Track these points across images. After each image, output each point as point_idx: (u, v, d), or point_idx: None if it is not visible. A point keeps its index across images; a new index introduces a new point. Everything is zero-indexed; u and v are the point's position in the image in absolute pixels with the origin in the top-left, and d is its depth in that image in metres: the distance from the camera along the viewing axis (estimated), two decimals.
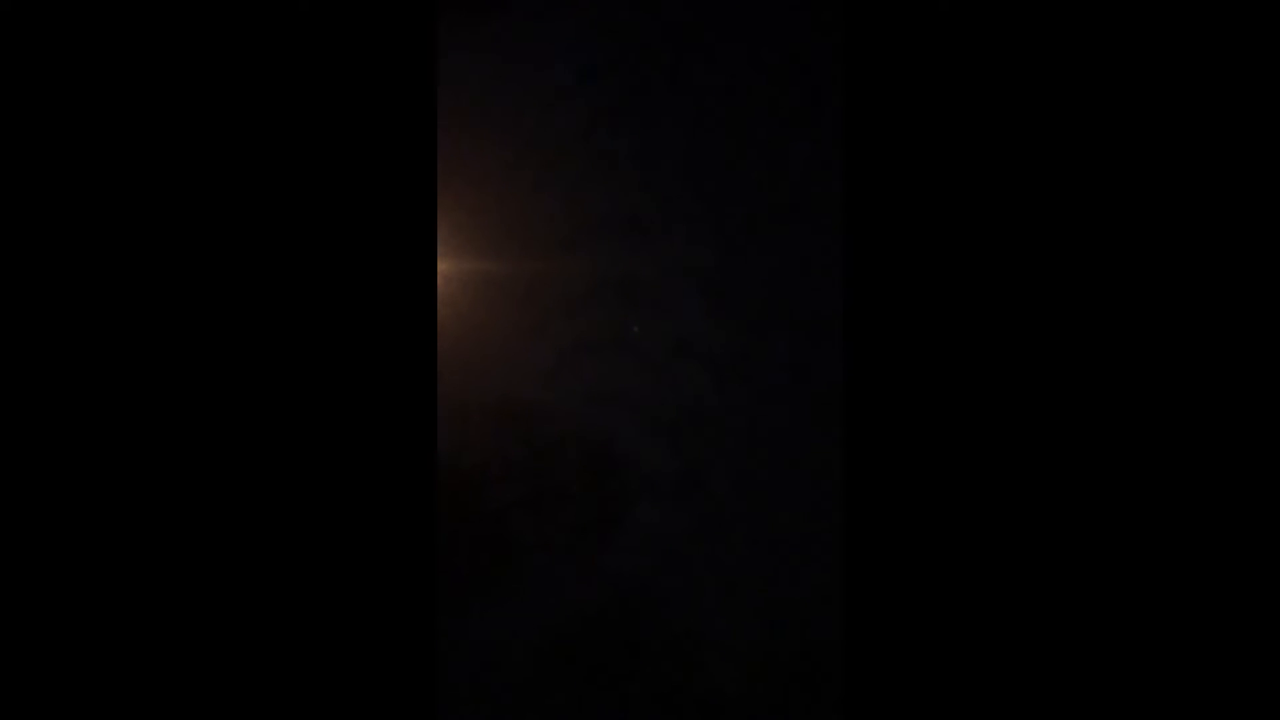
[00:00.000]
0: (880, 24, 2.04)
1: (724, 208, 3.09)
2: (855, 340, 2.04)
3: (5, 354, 1.85)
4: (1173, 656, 1.87)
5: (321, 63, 1.93)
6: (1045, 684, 1.91)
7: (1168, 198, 1.92)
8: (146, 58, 1.90)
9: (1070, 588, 1.91)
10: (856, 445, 2.02)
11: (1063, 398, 1.93)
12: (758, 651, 2.93)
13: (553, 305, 3.06)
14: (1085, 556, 1.91)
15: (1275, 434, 1.87)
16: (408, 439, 1.95)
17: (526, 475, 3.03)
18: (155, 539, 1.86)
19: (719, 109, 3.12)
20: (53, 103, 1.88)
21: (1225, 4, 1.92)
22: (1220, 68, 1.92)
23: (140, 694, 1.85)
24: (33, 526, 1.84)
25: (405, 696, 1.93)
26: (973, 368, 1.96)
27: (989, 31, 1.98)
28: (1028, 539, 1.92)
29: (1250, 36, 1.91)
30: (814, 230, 3.06)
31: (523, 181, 3.10)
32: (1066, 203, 1.96)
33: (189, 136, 1.91)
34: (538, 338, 3.06)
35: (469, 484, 3.02)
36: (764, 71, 3.13)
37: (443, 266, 3.02)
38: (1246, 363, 1.89)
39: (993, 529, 1.93)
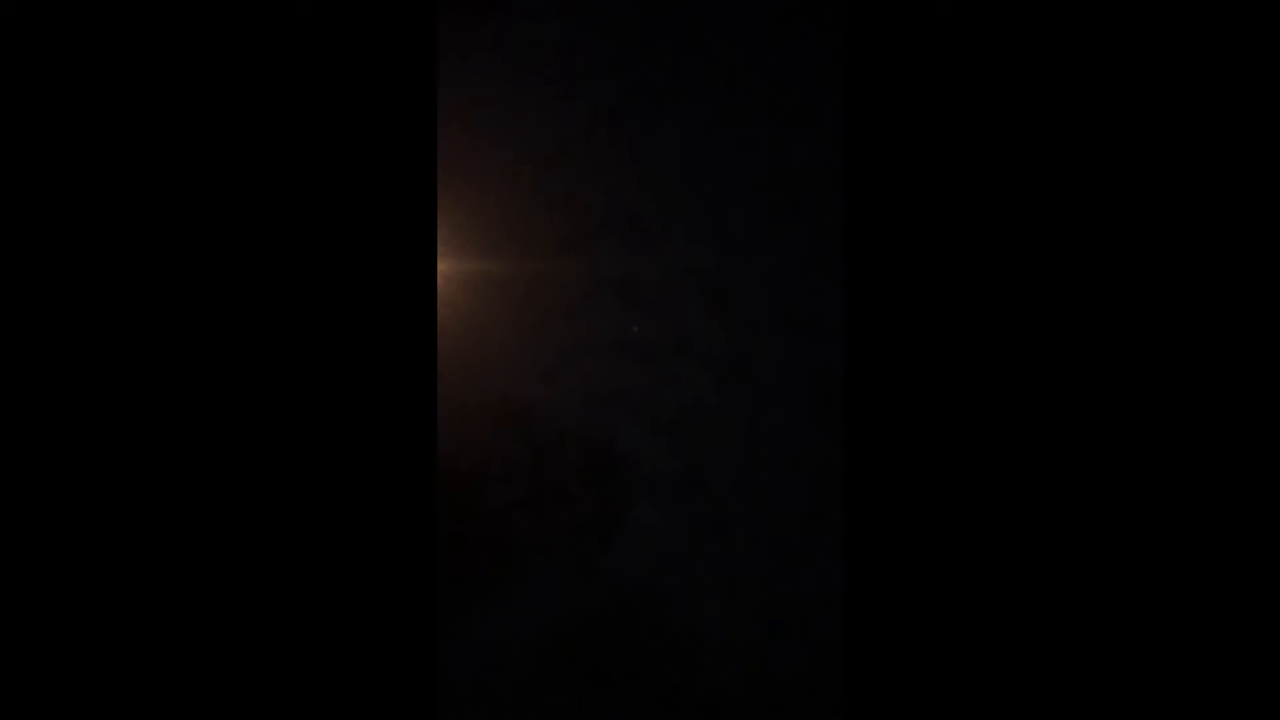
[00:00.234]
0: (880, 24, 2.04)
1: (724, 208, 3.09)
2: (855, 340, 2.04)
3: (4, 354, 1.85)
4: (1173, 658, 1.87)
5: (321, 63, 1.94)
6: (1046, 684, 1.91)
7: (1168, 198, 1.92)
8: (146, 57, 1.90)
9: (1071, 588, 1.91)
10: (856, 445, 2.02)
11: (1064, 398, 1.93)
12: (758, 651, 2.93)
13: (552, 305, 3.06)
14: (1087, 555, 1.91)
15: (1276, 434, 1.87)
16: (408, 439, 1.95)
17: (526, 475, 3.03)
18: (153, 539, 1.86)
19: (719, 109, 3.12)
20: (52, 102, 1.88)
21: (1225, 4, 1.92)
22: (1220, 68, 1.92)
23: (140, 694, 1.85)
24: (31, 526, 1.84)
25: (405, 696, 1.93)
26: (974, 368, 1.96)
27: (989, 31, 1.98)
28: (1029, 539, 1.92)
29: (1250, 36, 1.91)
30: (814, 230, 3.06)
31: (523, 181, 3.10)
32: (1067, 203, 1.96)
33: (188, 136, 1.91)
34: (537, 337, 3.06)
35: (469, 484, 3.02)
36: (764, 71, 3.13)
37: (442, 266, 3.02)
38: (1247, 363, 1.89)
39: (994, 529, 1.93)
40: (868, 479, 2.00)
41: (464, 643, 2.92)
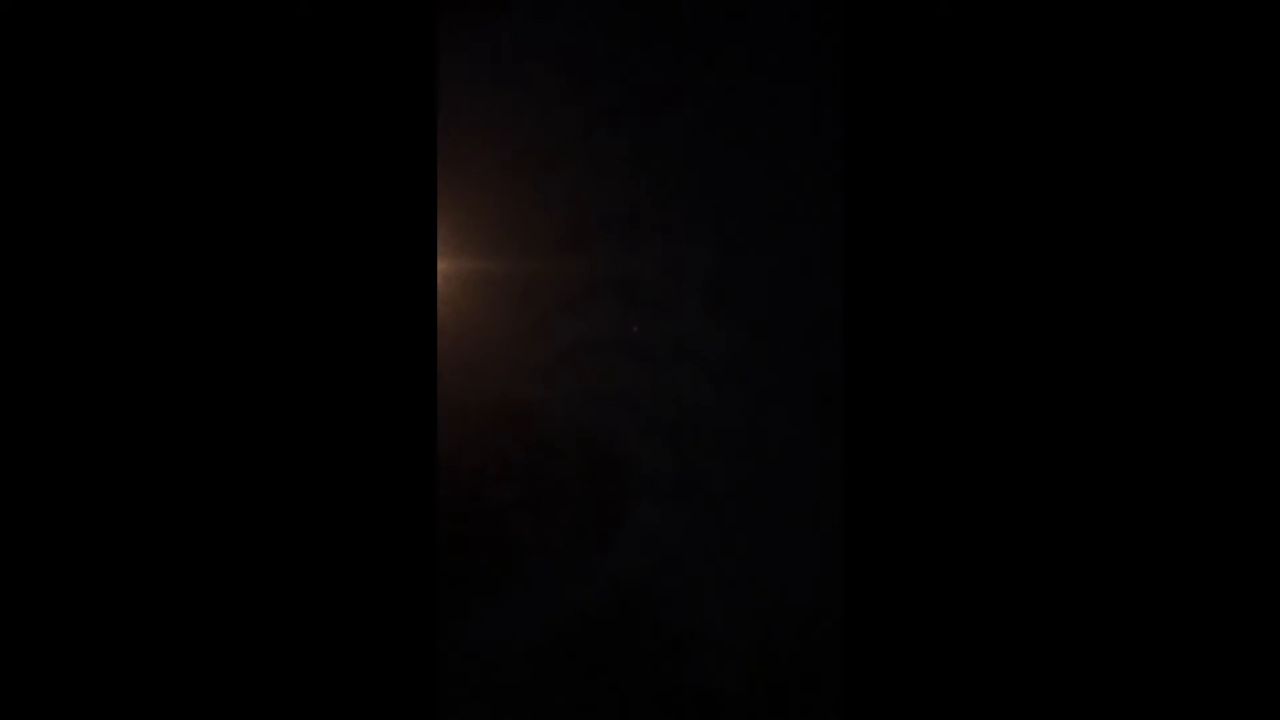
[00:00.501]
0: (880, 24, 2.04)
1: (724, 208, 3.09)
2: (855, 340, 2.04)
3: (4, 354, 1.85)
4: (1173, 658, 1.87)
5: (321, 62, 1.93)
6: (1046, 684, 1.91)
7: (1168, 198, 1.92)
8: (146, 57, 1.90)
9: (1072, 588, 1.91)
10: (856, 445, 2.02)
11: (1064, 398, 1.93)
12: (758, 651, 2.93)
13: (552, 305, 3.06)
14: (1087, 554, 1.91)
15: (1275, 434, 1.87)
16: (408, 439, 1.94)
17: (525, 475, 3.03)
18: (152, 538, 1.86)
19: (719, 109, 3.12)
20: (52, 102, 1.88)
21: (1225, 4, 1.91)
22: (1220, 68, 1.92)
23: (140, 694, 1.85)
24: (30, 526, 1.84)
25: (405, 696, 1.93)
26: (974, 368, 1.96)
27: (989, 31, 1.98)
28: (1029, 539, 1.92)
29: (1250, 36, 1.91)
30: (814, 230, 3.06)
31: (522, 181, 3.10)
32: (1068, 203, 1.96)
33: (188, 135, 1.91)
34: (537, 337, 3.06)
35: (468, 484, 3.02)
36: (764, 71, 3.12)
37: (442, 266, 3.02)
38: (1247, 362, 1.89)
39: (994, 529, 1.93)
40: (867, 479, 2.00)
41: (464, 643, 2.92)
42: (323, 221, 1.92)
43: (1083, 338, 1.92)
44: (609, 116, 3.12)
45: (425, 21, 2.00)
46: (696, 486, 3.02)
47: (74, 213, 1.87)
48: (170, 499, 1.85)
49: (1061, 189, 1.94)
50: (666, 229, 3.09)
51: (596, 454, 3.04)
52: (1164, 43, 1.93)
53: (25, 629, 1.82)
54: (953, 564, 1.93)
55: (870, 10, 2.03)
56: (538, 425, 3.04)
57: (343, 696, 1.89)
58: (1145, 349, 1.91)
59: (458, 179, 3.07)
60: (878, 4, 2.03)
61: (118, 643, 1.84)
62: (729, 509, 3.00)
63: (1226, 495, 1.86)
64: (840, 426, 2.97)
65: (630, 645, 2.93)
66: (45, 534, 1.83)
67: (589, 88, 3.13)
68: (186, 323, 1.88)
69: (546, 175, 3.09)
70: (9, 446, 1.83)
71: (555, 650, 2.93)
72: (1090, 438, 1.91)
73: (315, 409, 1.90)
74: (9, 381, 1.84)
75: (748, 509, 3.00)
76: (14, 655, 1.82)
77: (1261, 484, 1.86)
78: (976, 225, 1.96)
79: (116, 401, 1.85)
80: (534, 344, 3.05)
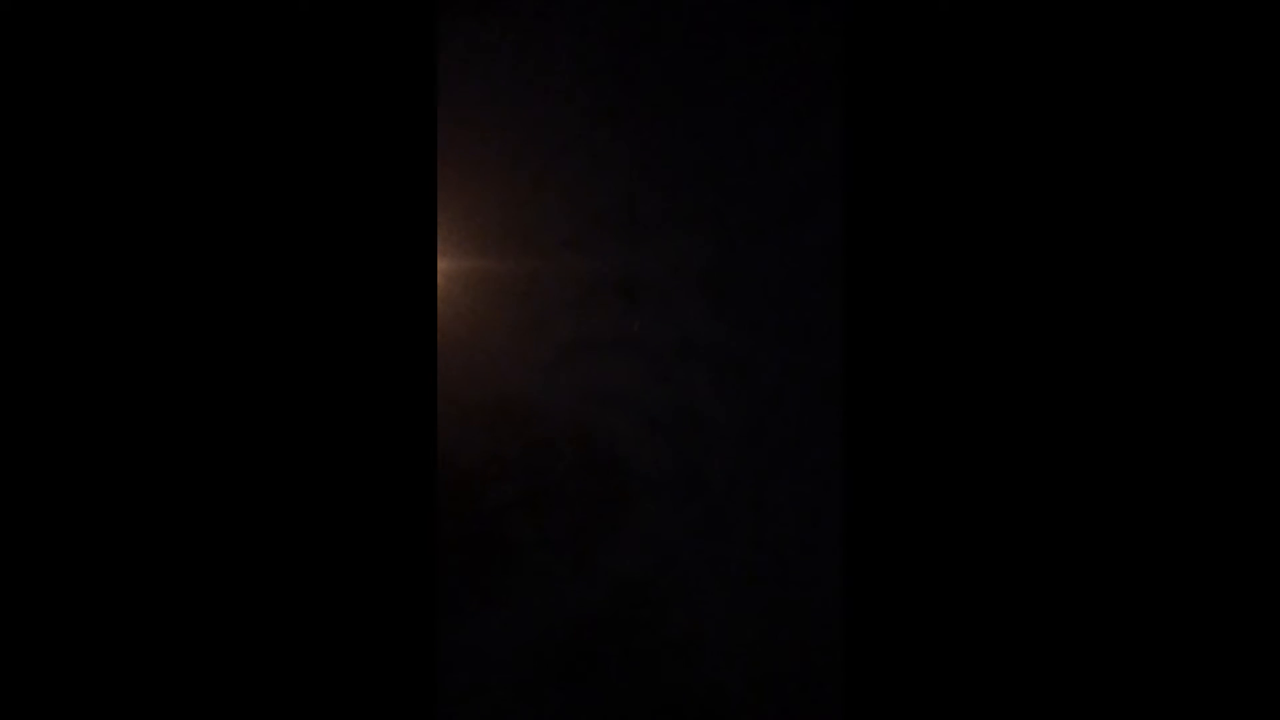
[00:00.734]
0: (880, 24, 2.04)
1: (724, 207, 3.09)
2: (856, 340, 2.04)
3: (5, 354, 1.85)
4: (1173, 658, 1.87)
5: (321, 62, 1.93)
6: (1046, 685, 1.91)
7: (1169, 199, 1.92)
8: (146, 56, 1.90)
9: (1072, 588, 1.91)
10: (856, 445, 2.02)
11: (1065, 398, 1.93)
12: (758, 651, 2.93)
13: (552, 303, 3.06)
14: (1086, 555, 1.91)
15: (1275, 434, 1.87)
16: (407, 437, 1.94)
17: (525, 474, 3.03)
18: (151, 538, 1.86)
19: (719, 109, 3.12)
20: (52, 102, 1.88)
21: (1225, 4, 1.91)
22: (1220, 68, 1.92)
23: (139, 694, 1.85)
24: (31, 526, 1.84)
25: (405, 696, 1.92)
26: (974, 368, 1.96)
27: (989, 31, 1.98)
28: (1029, 539, 1.92)
29: (1250, 36, 1.91)
30: (814, 230, 3.06)
31: (522, 180, 3.10)
32: (1068, 203, 1.96)
33: (188, 134, 1.91)
34: (537, 336, 3.06)
35: (467, 484, 3.02)
36: (764, 71, 3.12)
37: (442, 264, 3.02)
38: (1247, 362, 1.89)
39: (994, 529, 1.93)
40: (868, 479, 2.00)
41: (463, 643, 2.92)
42: (323, 220, 1.92)
43: (1084, 336, 1.92)
44: (609, 116, 3.12)
45: (425, 21, 2.00)
46: (696, 486, 3.02)
47: (73, 212, 1.87)
48: (169, 498, 1.85)
49: (1062, 189, 1.94)
50: (667, 228, 3.09)
51: (596, 453, 3.04)
52: (1164, 43, 1.93)
53: (25, 629, 1.82)
54: (953, 564, 1.93)
55: (870, 10, 2.03)
56: (537, 424, 3.03)
57: (343, 696, 1.89)
58: (1145, 348, 1.90)
59: (458, 177, 3.07)
60: (878, 4, 2.03)
61: (117, 643, 1.84)
62: (729, 509, 3.00)
63: (1226, 495, 1.86)
64: (840, 426, 2.96)
65: (630, 645, 2.93)
66: (45, 534, 1.83)
67: (589, 88, 3.13)
68: (184, 320, 1.88)
69: (546, 174, 3.09)
70: (9, 446, 1.83)
71: (555, 650, 2.93)
72: (1091, 437, 1.90)
73: (314, 407, 1.90)
74: (9, 381, 1.83)
75: (748, 509, 3.00)
76: (14, 655, 1.82)
77: (1261, 484, 1.86)
78: (977, 224, 1.96)
79: (115, 400, 1.85)
80: (534, 343, 3.05)
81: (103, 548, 1.84)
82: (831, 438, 3.00)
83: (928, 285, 1.97)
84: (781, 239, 3.07)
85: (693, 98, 3.12)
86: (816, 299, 3.04)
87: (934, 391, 1.95)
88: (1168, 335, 1.89)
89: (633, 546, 2.99)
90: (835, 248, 3.04)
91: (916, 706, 1.93)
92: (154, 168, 1.89)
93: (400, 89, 1.97)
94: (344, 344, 1.91)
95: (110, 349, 1.86)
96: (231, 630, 1.86)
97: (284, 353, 1.89)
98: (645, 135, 3.11)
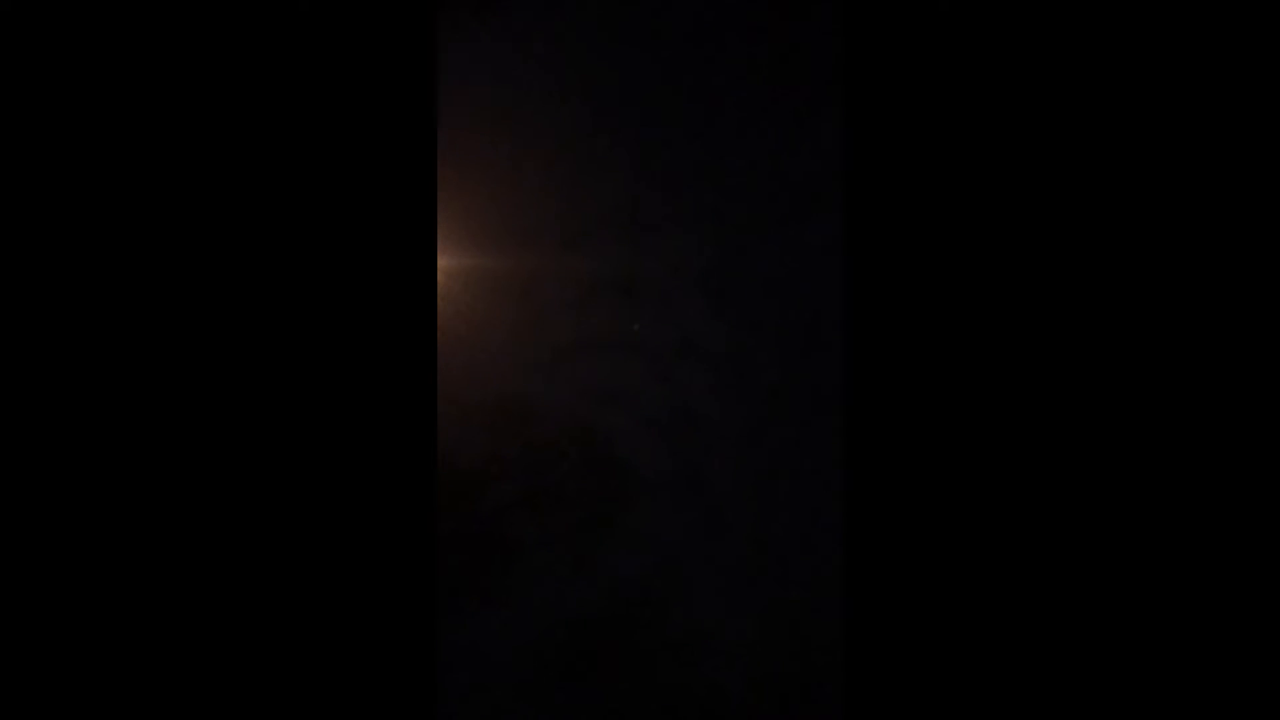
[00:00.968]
0: (880, 24, 2.04)
1: (724, 207, 3.09)
2: (855, 340, 2.04)
3: (5, 354, 1.85)
4: (1173, 658, 1.87)
5: (322, 62, 1.93)
6: (1046, 685, 1.91)
7: (1169, 199, 1.92)
8: (146, 56, 1.90)
9: (1072, 588, 1.91)
10: (856, 445, 2.02)
11: (1065, 398, 1.93)
12: (758, 651, 2.93)
13: (552, 303, 3.06)
14: (1085, 555, 1.91)
15: (1275, 434, 1.87)
16: (407, 437, 1.94)
17: (525, 474, 3.03)
18: (151, 538, 1.86)
19: (719, 109, 3.12)
20: (52, 102, 1.88)
21: (1225, 4, 1.91)
22: (1220, 68, 1.92)
23: (139, 695, 1.85)
24: (31, 526, 1.84)
25: (405, 696, 1.93)
26: (974, 368, 1.96)
27: (989, 31, 1.98)
28: (1029, 539, 1.92)
29: (1250, 36, 1.91)
30: (815, 230, 3.06)
31: (522, 179, 3.10)
32: (1068, 203, 1.96)
33: (189, 134, 1.91)
34: (537, 335, 3.06)
35: (467, 483, 3.02)
36: (764, 71, 3.12)
37: (442, 263, 3.02)
38: (1247, 362, 1.89)
39: (994, 529, 1.93)
40: (867, 479, 2.00)
41: (463, 643, 2.92)
42: (324, 219, 1.92)
43: (1083, 337, 1.92)
44: (609, 116, 3.12)
45: (425, 21, 2.00)
46: (696, 486, 3.02)
47: (73, 211, 1.87)
48: (169, 498, 1.85)
49: (1062, 188, 1.94)
50: (667, 228, 3.09)
51: (596, 453, 3.04)
52: (1164, 42, 1.93)
53: (25, 628, 1.82)
54: (952, 564, 1.93)
55: (870, 10, 2.03)
56: (537, 423, 3.04)
57: (343, 696, 1.89)
58: (1145, 349, 1.90)
59: (458, 176, 3.07)
60: (878, 4, 2.03)
61: (118, 643, 1.84)
62: (729, 509, 3.00)
63: (1226, 495, 1.86)
64: (840, 426, 2.96)
65: (630, 645, 2.93)
66: (45, 534, 1.83)
67: (589, 88, 3.13)
68: (185, 319, 1.88)
69: (547, 174, 3.09)
70: (9, 446, 1.83)
71: (554, 649, 2.93)
72: (1090, 437, 1.90)
73: (314, 407, 1.90)
74: (9, 381, 1.84)
75: (747, 509, 3.00)
76: (14, 655, 1.82)
77: (1261, 484, 1.86)
78: (977, 224, 1.96)
79: (115, 400, 1.85)
80: (534, 342, 3.05)
81: (104, 547, 1.84)
82: (831, 437, 3.00)
83: (928, 285, 1.97)
84: (782, 239, 3.07)
85: (693, 98, 3.12)
86: (816, 299, 3.04)
87: (934, 391, 1.95)
88: (1168, 335, 1.89)
89: (633, 546, 2.99)
90: (835, 247, 3.04)
91: (916, 706, 1.93)
92: (155, 168, 1.89)
93: (400, 89, 1.97)
94: (344, 343, 1.91)
95: (110, 348, 1.86)
96: (232, 630, 1.86)
97: (284, 351, 1.90)
98: (645, 135, 3.11)
